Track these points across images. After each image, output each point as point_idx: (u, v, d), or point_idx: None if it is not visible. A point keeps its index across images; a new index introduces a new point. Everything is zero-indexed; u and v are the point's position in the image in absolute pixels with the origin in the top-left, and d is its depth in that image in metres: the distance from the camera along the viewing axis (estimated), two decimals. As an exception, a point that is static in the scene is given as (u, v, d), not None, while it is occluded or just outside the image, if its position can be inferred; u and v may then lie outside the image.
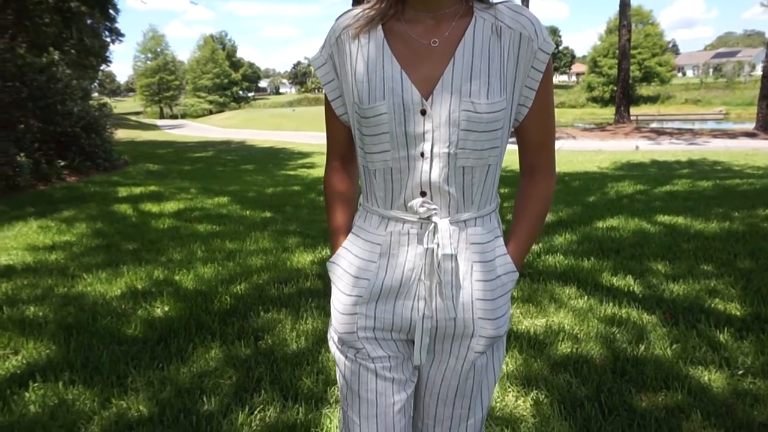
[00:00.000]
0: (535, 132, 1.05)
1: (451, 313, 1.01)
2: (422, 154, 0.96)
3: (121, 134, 12.74)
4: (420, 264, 1.01)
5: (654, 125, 24.62)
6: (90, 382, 2.37)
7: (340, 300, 1.09)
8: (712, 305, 2.96)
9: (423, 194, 0.99)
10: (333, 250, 1.13)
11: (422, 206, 0.98)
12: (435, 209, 0.98)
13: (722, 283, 3.28)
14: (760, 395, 2.13)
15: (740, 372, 2.30)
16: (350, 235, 1.10)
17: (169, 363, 2.52)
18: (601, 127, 23.84)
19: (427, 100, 0.95)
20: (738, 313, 2.86)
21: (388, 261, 1.03)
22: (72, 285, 3.63)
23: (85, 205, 6.51)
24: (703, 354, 2.45)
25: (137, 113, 48.62)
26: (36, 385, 2.35)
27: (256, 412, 2.11)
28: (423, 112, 0.95)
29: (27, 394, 2.29)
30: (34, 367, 2.51)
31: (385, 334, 1.06)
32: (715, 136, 18.59)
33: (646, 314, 2.87)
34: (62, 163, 8.73)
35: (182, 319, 2.96)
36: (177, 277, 3.69)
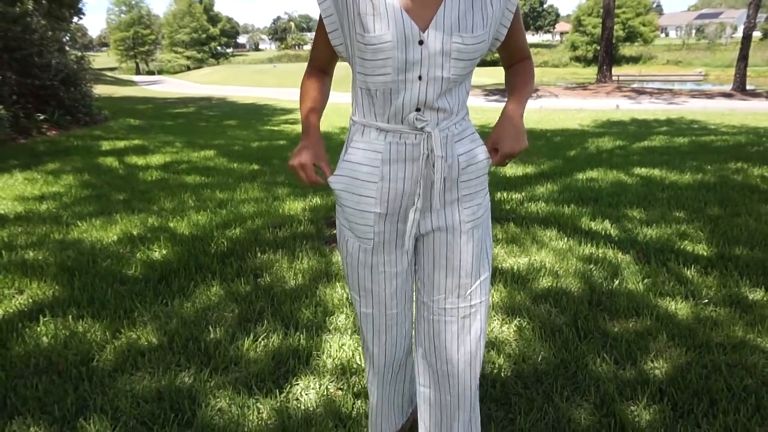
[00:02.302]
0: (516, 47, 1.34)
1: (438, 204, 1.25)
2: (420, 77, 1.16)
3: (98, 90, 12.42)
4: (417, 166, 1.23)
5: (635, 86, 24.78)
6: (98, 317, 2.49)
7: (351, 211, 1.28)
8: (682, 246, 3.18)
9: (417, 110, 1.19)
10: (303, 136, 1.30)
11: (417, 120, 1.19)
12: (427, 121, 1.20)
13: (692, 227, 3.50)
14: (720, 320, 2.35)
15: (704, 302, 2.51)
16: (350, 149, 1.28)
17: (173, 299, 2.64)
18: (582, 86, 23.92)
19: (423, 32, 1.13)
20: (705, 253, 3.07)
21: (389, 166, 1.23)
22: (67, 232, 3.70)
23: (70, 158, 6.47)
24: (671, 287, 2.66)
25: (112, 69, 47.10)
26: (45, 319, 2.47)
27: (260, 339, 2.27)
28: (420, 42, 1.14)
29: (38, 328, 2.40)
30: (41, 305, 2.61)
31: (391, 233, 1.29)
32: (693, 97, 18.86)
33: (621, 254, 3.07)
34: (42, 117, 8.58)
35: (181, 261, 3.07)
36: (171, 224, 3.78)
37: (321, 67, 1.36)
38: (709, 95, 19.27)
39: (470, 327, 1.34)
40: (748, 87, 20.53)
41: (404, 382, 1.57)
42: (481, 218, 1.32)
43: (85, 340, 2.29)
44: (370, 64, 1.16)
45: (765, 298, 2.54)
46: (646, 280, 2.73)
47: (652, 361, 2.08)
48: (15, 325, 2.41)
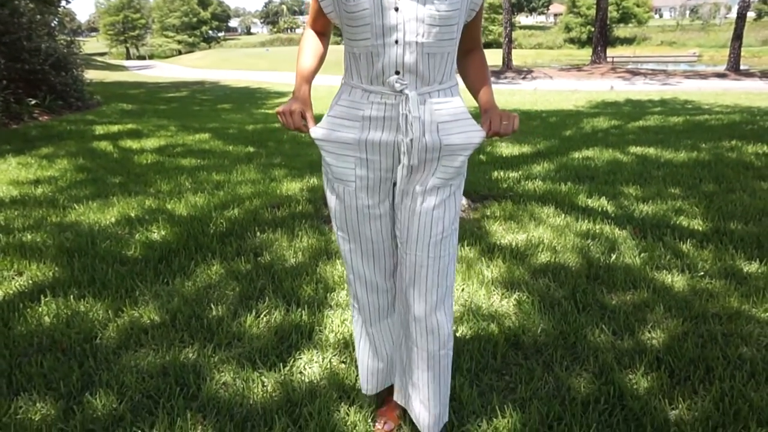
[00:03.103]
0: (475, 29, 1.40)
1: (423, 162, 1.32)
2: (396, 42, 1.24)
3: (89, 75, 12.28)
4: (395, 125, 1.31)
5: (629, 67, 24.71)
6: (99, 296, 2.50)
7: (333, 155, 1.38)
8: (678, 222, 3.21)
9: (397, 73, 1.27)
10: (295, 87, 1.41)
11: (397, 82, 1.27)
12: (406, 84, 1.27)
13: (688, 203, 3.53)
14: (715, 292, 2.39)
15: (700, 274, 2.55)
16: (336, 107, 1.38)
17: (174, 278, 2.65)
18: (577, 67, 23.84)
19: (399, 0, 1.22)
20: (700, 228, 3.11)
21: (370, 123, 1.33)
22: (64, 215, 3.68)
23: (63, 143, 6.41)
24: (667, 261, 2.70)
25: (102, 54, 46.46)
26: (46, 299, 2.47)
27: (262, 316, 2.28)
28: (396, 9, 1.22)
29: (39, 308, 2.41)
30: (41, 286, 2.61)
31: (374, 180, 1.39)
32: (687, 77, 18.85)
33: (617, 230, 3.10)
34: (33, 102, 8.48)
35: (180, 241, 3.07)
36: (169, 206, 3.77)
37: (318, 29, 1.47)
38: (703, 76, 19.26)
39: (426, 275, 1.41)
40: (742, 67, 20.52)
41: (390, 331, 1.62)
42: (458, 181, 1.40)
43: (88, 319, 2.30)
44: (353, 30, 1.27)
45: (759, 271, 2.57)
46: (642, 255, 2.76)
47: (649, 332, 2.11)
48: (16, 306, 2.41)
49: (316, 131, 1.38)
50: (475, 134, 1.33)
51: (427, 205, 1.36)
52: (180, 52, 49.93)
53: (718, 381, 1.79)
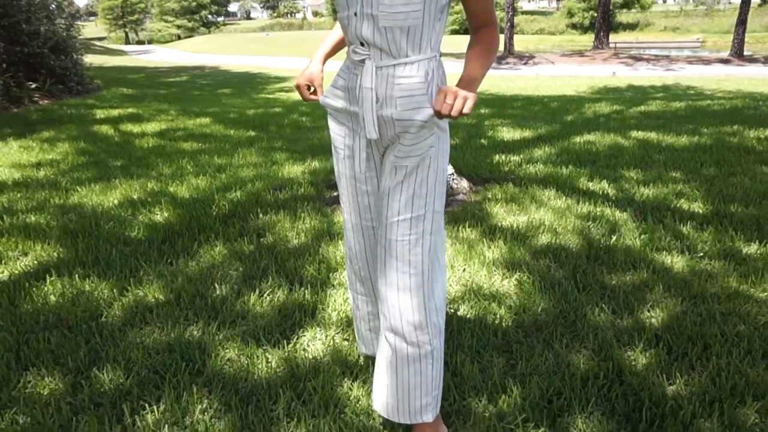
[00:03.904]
0: (479, 10, 1.32)
1: (372, 134, 1.32)
2: (355, 14, 1.27)
3: (89, 59, 12.21)
4: (358, 96, 1.34)
5: (632, 52, 24.53)
6: (104, 276, 2.52)
7: (332, 118, 1.47)
8: (678, 204, 3.22)
9: (362, 44, 1.30)
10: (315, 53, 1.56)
11: (354, 51, 1.32)
12: (367, 54, 1.29)
13: (688, 187, 3.54)
14: (714, 273, 2.41)
15: (699, 255, 2.57)
16: (335, 77, 1.44)
17: (177, 259, 2.68)
18: (579, 53, 23.67)
19: None
20: (700, 211, 3.12)
21: (349, 93, 1.38)
22: (67, 197, 3.70)
23: (64, 127, 6.41)
24: (667, 243, 2.72)
25: (101, 39, 46.11)
26: (52, 279, 2.50)
27: (265, 295, 2.31)
28: None
29: (45, 287, 2.43)
30: (46, 266, 2.64)
31: (357, 152, 1.42)
32: (690, 63, 18.74)
33: (618, 212, 3.11)
34: (33, 86, 8.45)
35: (183, 223, 3.09)
36: (171, 189, 3.78)
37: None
38: (706, 61, 19.14)
39: (385, 259, 1.39)
40: (745, 52, 20.37)
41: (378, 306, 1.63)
42: (414, 162, 1.33)
43: (93, 298, 2.33)
44: (336, 2, 1.34)
45: (759, 252, 2.59)
46: (643, 236, 2.78)
47: (648, 311, 2.14)
48: (22, 285, 2.44)
49: (322, 99, 1.47)
50: (423, 113, 1.27)
51: (389, 183, 1.37)
52: (179, 37, 49.55)
53: (716, 357, 1.82)
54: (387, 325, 1.42)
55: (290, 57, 23.85)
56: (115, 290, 2.39)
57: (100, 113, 7.36)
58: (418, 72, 1.28)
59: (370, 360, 1.86)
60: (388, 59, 1.28)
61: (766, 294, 2.23)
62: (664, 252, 2.62)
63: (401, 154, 1.33)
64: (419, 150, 1.32)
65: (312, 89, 1.55)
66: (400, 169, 1.34)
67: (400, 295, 1.38)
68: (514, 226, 2.93)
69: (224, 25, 63.35)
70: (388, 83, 1.29)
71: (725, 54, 20.67)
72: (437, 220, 1.39)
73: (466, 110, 1.19)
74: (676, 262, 2.52)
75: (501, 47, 23.41)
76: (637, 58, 20.45)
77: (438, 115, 1.22)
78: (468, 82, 1.24)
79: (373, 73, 1.28)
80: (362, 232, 1.52)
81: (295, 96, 10.85)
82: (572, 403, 1.65)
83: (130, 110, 7.66)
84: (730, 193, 3.37)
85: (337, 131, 1.46)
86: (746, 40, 20.64)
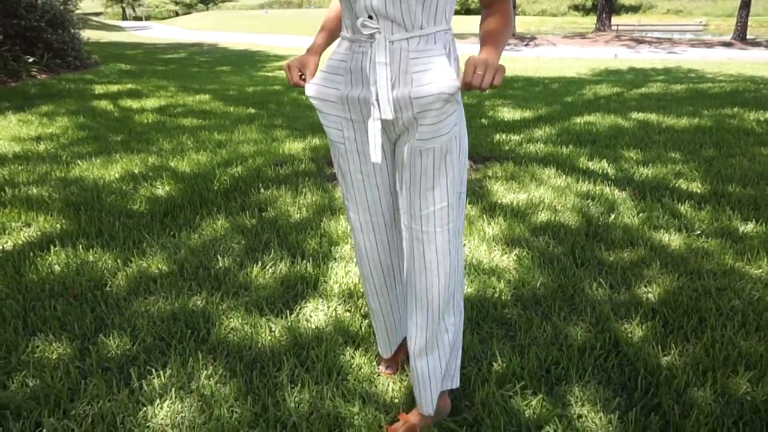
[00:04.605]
0: None
1: (387, 114, 1.20)
2: None
3: (86, 34, 12.07)
4: (367, 75, 1.23)
5: (634, 35, 24.33)
6: (107, 247, 2.55)
7: (323, 115, 1.34)
8: (677, 184, 3.24)
9: (371, 18, 1.18)
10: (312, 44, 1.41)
11: (363, 25, 1.19)
12: (377, 29, 1.18)
13: (687, 167, 3.56)
14: (711, 250, 2.45)
15: (696, 233, 2.60)
16: (328, 61, 1.32)
17: (180, 231, 2.70)
18: (581, 35, 23.46)
19: None
20: (699, 190, 3.15)
21: (352, 74, 1.26)
22: (68, 170, 3.70)
23: (63, 101, 6.37)
24: (665, 221, 2.75)
25: (97, 14, 45.47)
26: (56, 249, 2.52)
27: (268, 267, 2.34)
28: None
29: (49, 257, 2.46)
30: (50, 237, 2.66)
31: (362, 143, 1.33)
32: (693, 46, 18.61)
33: (617, 191, 3.14)
34: (31, 60, 8.37)
35: (185, 196, 3.11)
36: (172, 163, 3.79)
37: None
38: (709, 44, 19.00)
39: (423, 252, 1.32)
40: (748, 36, 20.23)
41: (397, 295, 1.58)
42: (441, 142, 1.24)
43: (97, 268, 2.35)
44: None
45: (755, 230, 2.63)
46: (641, 215, 2.81)
47: (645, 286, 2.17)
48: (26, 254, 2.46)
49: (309, 87, 1.34)
50: (448, 84, 1.17)
51: (414, 171, 1.26)
52: (177, 14, 48.87)
53: (710, 330, 1.86)
54: (421, 312, 1.38)
55: (289, 35, 23.60)
56: (118, 261, 2.41)
57: (99, 88, 7.31)
58: (436, 45, 1.20)
59: (371, 331, 1.90)
60: (401, 32, 1.18)
61: (761, 271, 2.27)
62: (662, 230, 2.65)
63: (426, 136, 1.22)
64: (445, 128, 1.22)
65: (302, 75, 1.37)
66: (426, 152, 1.24)
67: (436, 280, 1.34)
68: (514, 203, 2.96)
69: (222, 1, 62.43)
70: (401, 59, 1.19)
71: (728, 37, 20.51)
72: (463, 199, 1.35)
73: (496, 82, 1.11)
74: (674, 239, 2.55)
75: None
76: (639, 41, 20.29)
77: (467, 86, 1.13)
78: (486, 52, 1.17)
79: (386, 46, 1.18)
80: (373, 230, 1.43)
81: (295, 74, 10.77)
82: (569, 372, 1.69)
83: (129, 86, 7.60)
84: (728, 173, 3.39)
85: (330, 124, 1.34)
86: (749, 23, 20.49)
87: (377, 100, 1.20)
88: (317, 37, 1.43)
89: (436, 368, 1.44)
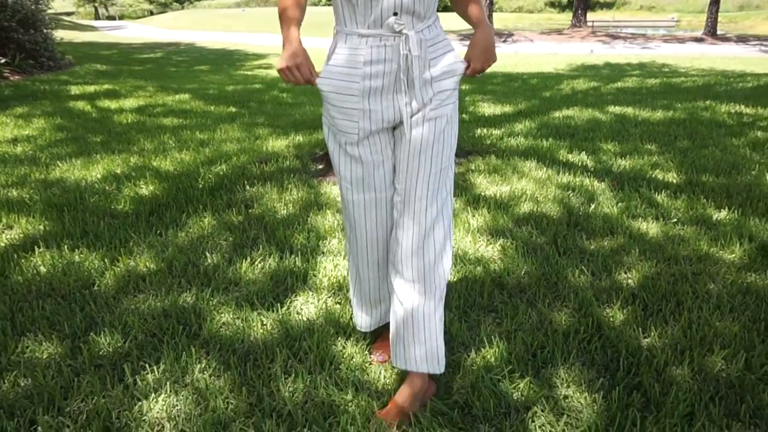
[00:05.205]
0: None
1: (422, 98, 1.40)
2: None
3: (59, 35, 11.87)
4: (395, 66, 1.37)
5: (609, 31, 24.72)
6: (93, 247, 2.54)
7: (337, 109, 1.42)
8: (653, 175, 3.34)
9: (395, 14, 1.32)
10: (286, 44, 1.35)
11: (396, 23, 1.32)
12: (404, 24, 1.33)
13: (663, 158, 3.66)
14: (687, 237, 2.53)
15: (672, 221, 2.69)
16: (335, 56, 1.40)
17: (166, 230, 2.70)
18: (557, 31, 23.77)
19: None
20: (674, 180, 3.25)
21: (371, 67, 1.37)
22: (48, 172, 3.66)
23: (39, 103, 6.26)
24: (643, 210, 2.83)
25: (69, 14, 44.56)
26: (40, 250, 2.50)
27: (256, 263, 2.36)
28: None
29: (34, 259, 2.44)
30: (33, 238, 2.63)
31: (376, 130, 1.44)
32: (666, 41, 19.01)
33: (596, 182, 3.22)
34: (2, 61, 8.21)
35: (170, 195, 3.10)
36: (155, 163, 3.77)
37: None
38: (681, 40, 19.43)
39: (416, 197, 1.46)
40: (719, 32, 20.71)
41: (386, 280, 1.64)
42: (448, 111, 1.44)
43: (84, 268, 2.35)
44: None
45: (728, 218, 2.72)
46: (619, 204, 2.89)
47: (625, 273, 2.25)
48: (10, 256, 2.44)
49: (323, 83, 1.40)
50: (459, 66, 1.43)
51: (421, 141, 1.41)
52: (152, 13, 48.16)
53: (687, 312, 1.94)
54: (418, 275, 1.46)
55: (267, 33, 23.44)
56: (105, 260, 2.40)
57: (75, 89, 7.20)
58: (438, 31, 1.41)
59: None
60: (420, 23, 1.35)
61: (734, 255, 2.36)
62: (640, 219, 2.73)
63: (437, 106, 1.41)
64: (450, 99, 1.44)
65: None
66: (432, 121, 1.41)
67: (434, 243, 1.46)
68: (497, 195, 3.02)
69: (198, 0, 61.69)
70: (421, 47, 1.36)
71: (699, 33, 20.98)
72: (453, 162, 1.53)
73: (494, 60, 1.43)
74: (651, 228, 2.63)
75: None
76: (614, 37, 20.64)
77: (474, 73, 1.43)
78: (484, 23, 1.43)
79: (418, 41, 1.34)
80: (375, 207, 1.52)
81: (274, 73, 10.72)
82: (555, 355, 1.75)
83: (106, 86, 7.50)
84: (702, 163, 3.50)
85: (344, 117, 1.41)
86: (719, 19, 20.98)
87: (411, 88, 1.37)
88: (293, 31, 1.36)
89: (431, 311, 1.48)
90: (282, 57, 1.34)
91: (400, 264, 1.49)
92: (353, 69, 1.36)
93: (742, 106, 5.21)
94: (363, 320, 1.75)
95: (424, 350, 1.50)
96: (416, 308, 1.48)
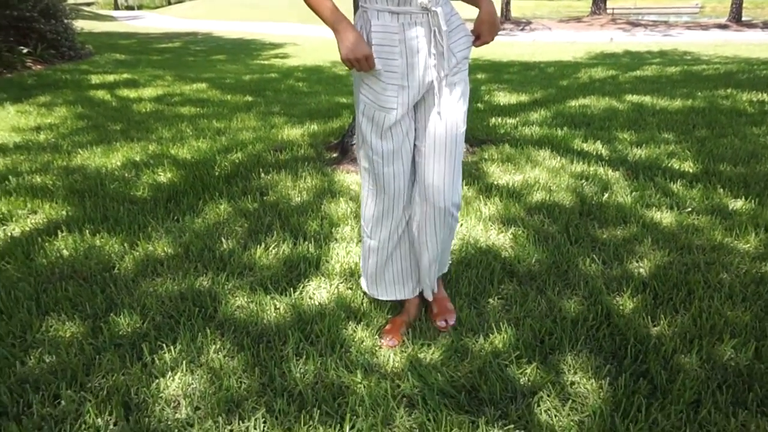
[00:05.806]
0: None
1: (446, 68, 1.55)
2: None
3: (78, 25, 12.02)
4: (425, 40, 1.51)
5: (630, 18, 24.25)
6: (113, 232, 2.61)
7: (382, 85, 1.53)
8: (669, 164, 3.31)
9: None
10: (340, 27, 1.47)
11: (425, 3, 1.46)
12: (432, 1, 1.48)
13: (680, 147, 3.62)
14: (701, 227, 2.52)
15: (687, 211, 2.67)
16: (373, 34, 1.50)
17: (183, 216, 2.76)
18: (577, 19, 23.38)
19: None
20: (690, 170, 3.21)
21: (405, 45, 1.50)
22: (69, 159, 3.75)
23: (60, 92, 6.38)
24: (657, 199, 2.82)
25: (89, 4, 45.02)
26: (63, 235, 2.58)
27: (271, 248, 2.40)
28: None
29: (57, 242, 2.52)
30: (57, 223, 2.71)
31: (410, 103, 1.58)
32: (688, 28, 18.59)
33: (611, 171, 3.20)
34: (25, 50, 8.36)
35: (187, 182, 3.16)
36: (172, 151, 3.83)
37: None
38: (705, 27, 18.99)
39: (454, 159, 1.65)
40: (744, 18, 20.19)
41: (407, 242, 1.80)
42: (463, 76, 1.62)
43: (104, 252, 2.42)
44: None
45: (744, 207, 2.70)
46: (633, 194, 2.88)
47: (636, 261, 2.25)
48: (35, 240, 2.52)
49: (377, 63, 1.51)
50: (471, 37, 1.60)
51: (453, 98, 1.58)
52: (170, 2, 48.37)
53: (698, 301, 1.94)
54: (440, 206, 1.66)
55: (284, 23, 23.44)
56: (125, 245, 2.47)
57: (95, 78, 7.31)
58: (449, 5, 1.55)
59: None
60: (440, 1, 1.50)
61: (749, 245, 2.35)
62: (654, 208, 2.72)
63: (455, 71, 1.58)
64: (464, 65, 1.61)
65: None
66: (455, 85, 1.59)
67: (454, 178, 1.66)
68: (510, 184, 3.02)
69: (215, -11, 61.71)
70: (442, 21, 1.49)
71: (723, 19, 20.48)
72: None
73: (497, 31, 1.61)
74: (665, 217, 2.62)
75: (498, 13, 23.12)
76: (635, 24, 20.25)
77: (482, 43, 1.61)
78: (492, 14, 1.57)
79: (443, 17, 1.48)
80: (402, 158, 1.64)
81: (290, 62, 10.76)
82: (563, 342, 1.77)
83: (125, 76, 7.61)
84: (720, 153, 3.46)
85: (387, 93, 1.53)
86: (744, 5, 20.44)
87: (440, 61, 1.52)
88: (338, 14, 1.48)
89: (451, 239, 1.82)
90: (345, 47, 1.45)
91: (432, 197, 1.66)
92: (391, 47, 1.49)
93: (765, 95, 5.11)
94: (402, 286, 1.86)
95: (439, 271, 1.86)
96: (445, 239, 1.75)
